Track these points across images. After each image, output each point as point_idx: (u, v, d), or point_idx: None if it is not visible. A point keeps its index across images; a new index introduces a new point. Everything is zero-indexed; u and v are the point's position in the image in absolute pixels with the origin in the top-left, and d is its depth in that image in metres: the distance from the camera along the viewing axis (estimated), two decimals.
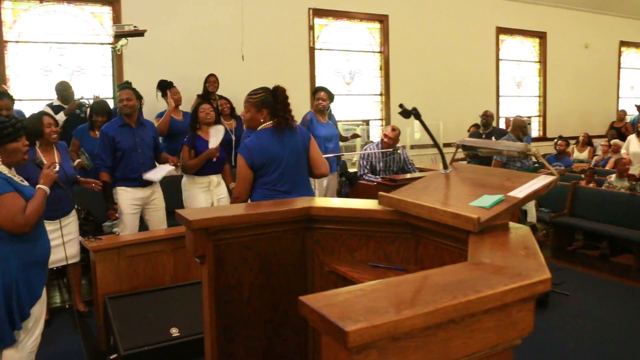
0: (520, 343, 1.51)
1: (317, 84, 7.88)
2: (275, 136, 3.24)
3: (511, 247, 1.76)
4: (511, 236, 1.90)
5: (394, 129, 5.83)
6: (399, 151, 5.77)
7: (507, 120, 8.64)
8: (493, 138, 6.86)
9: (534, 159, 5.38)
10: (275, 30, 7.85)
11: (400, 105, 2.33)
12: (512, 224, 2.03)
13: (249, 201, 3.39)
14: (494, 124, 8.35)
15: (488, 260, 1.60)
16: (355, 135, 6.95)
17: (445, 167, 2.40)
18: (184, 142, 4.89)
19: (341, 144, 6.59)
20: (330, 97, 6.06)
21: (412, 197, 2.15)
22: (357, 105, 8.97)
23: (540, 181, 2.13)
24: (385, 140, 5.73)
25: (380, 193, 2.28)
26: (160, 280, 4.05)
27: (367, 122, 8.94)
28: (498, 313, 1.38)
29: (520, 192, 2.06)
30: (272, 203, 2.77)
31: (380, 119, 9.10)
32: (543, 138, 11.08)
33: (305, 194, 3.32)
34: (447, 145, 3.40)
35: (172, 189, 5.09)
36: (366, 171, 5.66)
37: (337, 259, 2.45)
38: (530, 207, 6.22)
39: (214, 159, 4.79)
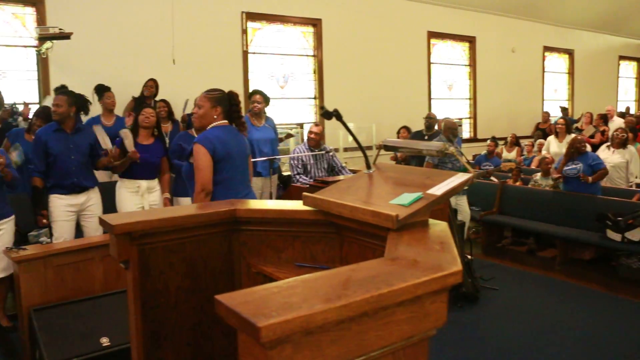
0: (436, 334, 1.54)
1: (251, 87, 7.86)
2: (232, 134, 3.31)
3: (427, 243, 1.81)
4: (429, 232, 1.96)
5: (317, 124, 5.98)
6: (330, 154, 5.85)
7: (439, 122, 8.86)
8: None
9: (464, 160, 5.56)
10: (208, 34, 7.79)
11: (322, 107, 2.37)
12: (431, 221, 2.09)
13: None
14: None
15: (404, 255, 1.64)
16: (289, 135, 7.01)
17: (368, 167, 2.45)
18: (115, 142, 4.83)
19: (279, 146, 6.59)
20: (266, 100, 6.07)
21: (335, 196, 2.18)
22: (291, 109, 9.02)
23: (458, 179, 2.20)
24: (312, 137, 5.80)
25: (304, 194, 2.30)
26: (89, 289, 3.93)
27: (301, 125, 8.99)
28: (411, 305, 1.41)
29: (438, 190, 2.12)
30: (197, 206, 2.76)
31: (314, 122, 9.15)
32: (474, 139, 11.45)
33: (251, 195, 3.41)
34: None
35: (109, 196, 4.95)
36: (299, 171, 5.69)
37: (264, 260, 2.46)
38: (464, 206, 6.40)
39: (138, 161, 4.70)
